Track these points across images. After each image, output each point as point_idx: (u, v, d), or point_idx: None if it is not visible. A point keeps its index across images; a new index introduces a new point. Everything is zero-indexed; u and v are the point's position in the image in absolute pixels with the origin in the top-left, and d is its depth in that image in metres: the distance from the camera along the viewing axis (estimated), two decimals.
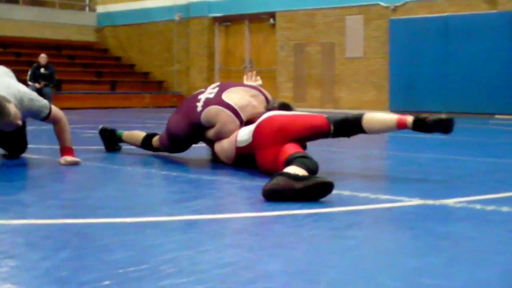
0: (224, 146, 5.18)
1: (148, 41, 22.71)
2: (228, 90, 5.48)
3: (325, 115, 4.80)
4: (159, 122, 11.98)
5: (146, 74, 22.83)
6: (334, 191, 3.81)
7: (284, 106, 5.17)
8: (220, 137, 5.25)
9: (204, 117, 5.32)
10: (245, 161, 5.02)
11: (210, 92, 5.52)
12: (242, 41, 20.50)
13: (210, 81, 20.29)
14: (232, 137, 5.09)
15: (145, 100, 20.57)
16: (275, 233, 2.98)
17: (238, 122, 5.20)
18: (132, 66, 23.33)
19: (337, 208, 3.54)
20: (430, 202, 3.71)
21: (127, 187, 4.35)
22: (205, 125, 5.35)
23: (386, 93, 17.09)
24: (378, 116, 4.66)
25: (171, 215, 3.35)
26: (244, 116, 5.25)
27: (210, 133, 5.35)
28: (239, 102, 5.34)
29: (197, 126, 5.40)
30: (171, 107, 19.22)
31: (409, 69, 16.45)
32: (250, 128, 4.90)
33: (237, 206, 3.76)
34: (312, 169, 4.13)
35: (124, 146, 6.42)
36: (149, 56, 22.51)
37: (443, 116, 4.52)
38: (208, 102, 5.38)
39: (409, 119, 4.53)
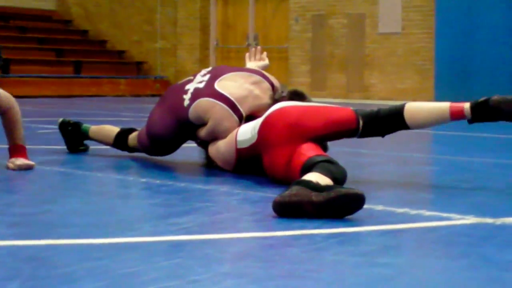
0: (220, 149, 5.18)
1: (123, 10, 22.74)
2: (222, 77, 5.44)
3: (351, 108, 4.80)
4: (137, 115, 12.00)
5: (120, 53, 22.86)
6: (366, 206, 3.82)
7: (296, 95, 5.17)
8: (215, 137, 5.24)
9: (193, 112, 5.29)
10: (248, 166, 5.03)
11: (200, 80, 5.47)
12: (245, 11, 20.51)
13: (203, 63, 20.31)
14: (230, 137, 5.09)
15: (120, 86, 20.60)
16: (288, 259, 2.98)
17: (236, 118, 5.18)
18: (102, 42, 23.35)
19: (368, 227, 3.55)
20: (488, 220, 3.71)
21: (97, 199, 4.36)
22: (195, 123, 5.33)
23: (431, 79, 17.09)
24: (424, 105, 4.67)
25: (154, 235, 3.37)
26: (244, 110, 5.23)
27: (202, 132, 5.33)
28: (237, 92, 5.30)
29: (184, 123, 5.37)
30: (154, 95, 19.27)
31: (462, 48, 16.43)
32: (254, 124, 4.90)
33: (238, 223, 3.77)
34: (339, 178, 4.14)
35: (92, 145, 6.41)
36: (124, 29, 22.53)
37: (508, 96, 4.51)
38: (197, 94, 5.33)
39: (466, 105, 4.52)
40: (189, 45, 21.11)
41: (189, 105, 5.30)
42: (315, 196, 3.71)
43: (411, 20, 17.58)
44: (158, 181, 4.98)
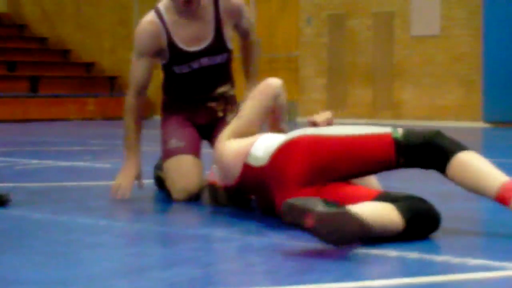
0: (228, 155, 5.16)
1: (91, 10, 22.81)
2: None
3: (390, 130, 4.79)
4: (110, 143, 12.03)
5: (89, 65, 22.92)
6: (396, 253, 3.83)
7: None
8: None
9: None
10: (251, 192, 5.06)
11: None
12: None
13: None
14: (245, 145, 5.09)
15: (88, 107, 20.64)
16: None
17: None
18: (65, 52, 23.42)
19: (399, 280, 3.57)
20: None
21: (61, 249, 4.37)
22: None
23: (478, 93, 17.10)
24: (475, 167, 4.62)
25: None
26: None
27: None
28: None
29: None
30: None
31: None
32: (272, 142, 4.92)
33: (237, 277, 3.78)
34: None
35: (53, 181, 6.42)
36: (93, 36, 22.60)
37: None
38: None
39: None
40: None
41: None
42: (320, 207, 3.86)
43: (453, 18, 17.63)
44: (137, 226, 5.01)
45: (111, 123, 18.18)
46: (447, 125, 17.05)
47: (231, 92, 6.42)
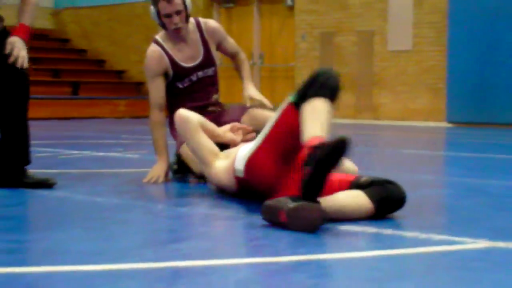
0: (220, 176, 5.19)
1: (122, 28, 22.78)
2: None
3: (288, 99, 4.76)
4: (137, 138, 12.01)
5: (120, 73, 22.90)
6: (373, 229, 3.83)
7: None
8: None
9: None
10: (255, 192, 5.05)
11: None
12: (249, 28, 20.55)
13: None
14: (228, 164, 5.10)
15: (119, 107, 20.62)
16: (293, 286, 3.00)
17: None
18: (101, 62, 23.41)
19: (376, 252, 3.57)
20: (502, 244, 3.72)
21: (96, 225, 4.36)
22: None
23: (443, 98, 17.06)
24: (313, 114, 4.56)
25: (155, 261, 3.38)
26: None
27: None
28: None
29: None
30: None
31: (475, 66, 16.40)
32: (245, 153, 4.96)
33: (242, 249, 3.78)
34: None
35: (91, 169, 6.41)
36: (124, 48, 22.57)
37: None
38: None
39: None
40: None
41: None
42: (289, 204, 3.94)
43: (423, 37, 17.59)
44: (160, 206, 5.01)
45: (138, 121, 18.14)
46: (417, 125, 17.03)
47: (218, 98, 6.67)
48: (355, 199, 4.41)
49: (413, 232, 4.01)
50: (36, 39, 23.07)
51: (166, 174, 6.12)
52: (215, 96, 6.58)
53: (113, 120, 18.97)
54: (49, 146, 10.02)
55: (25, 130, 6.48)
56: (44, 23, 24.07)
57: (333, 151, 4.03)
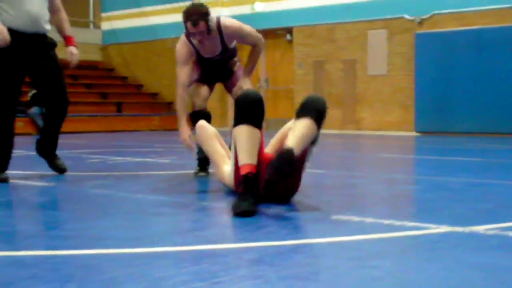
0: (225, 179, 5.18)
1: (155, 59, 22.81)
2: None
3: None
4: (168, 146, 12.02)
5: (154, 94, 22.94)
6: (356, 218, 3.81)
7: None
8: None
9: None
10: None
11: None
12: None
13: (223, 101, 20.34)
14: (229, 170, 5.16)
15: (154, 122, 20.66)
16: (294, 264, 2.98)
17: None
18: (139, 86, 23.45)
19: (360, 236, 3.55)
20: (459, 229, 3.71)
21: (135, 216, 4.36)
22: None
23: (412, 113, 17.06)
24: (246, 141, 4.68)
25: (183, 245, 3.36)
26: None
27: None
28: None
29: None
30: None
31: (437, 87, 16.42)
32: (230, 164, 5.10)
33: (254, 235, 3.77)
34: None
35: (135, 171, 6.40)
36: (157, 75, 22.61)
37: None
38: None
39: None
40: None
41: None
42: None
43: (395, 63, 17.59)
44: (186, 201, 5.00)
45: (169, 133, 18.15)
46: (391, 134, 17.01)
47: (235, 59, 6.92)
48: (304, 125, 4.62)
49: (389, 220, 3.99)
50: (88, 69, 23.20)
51: (190, 137, 6.28)
52: (231, 62, 6.88)
53: (148, 132, 18.99)
54: (100, 154, 10.04)
55: (59, 129, 6.89)
56: (95, 56, 24.15)
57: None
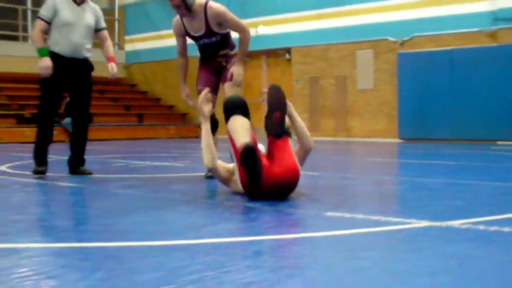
0: (238, 187, 5.16)
1: (172, 76, 22.83)
2: None
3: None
4: (183, 152, 12.03)
5: (171, 107, 22.94)
6: (348, 215, 3.80)
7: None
8: None
9: None
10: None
11: None
12: (260, 74, 20.56)
13: None
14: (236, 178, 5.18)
15: (171, 131, 20.66)
16: (293, 255, 2.98)
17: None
18: (157, 99, 23.46)
19: (351, 231, 3.54)
20: (437, 223, 3.71)
21: (154, 213, 4.36)
22: None
23: (396, 122, 17.07)
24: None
25: (196, 239, 3.36)
26: None
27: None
28: None
29: None
30: (195, 137, 19.29)
31: (417, 99, 16.43)
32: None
33: (257, 229, 3.76)
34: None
35: (155, 173, 6.39)
36: (173, 90, 22.60)
37: None
38: None
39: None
40: (218, 100, 21.10)
41: None
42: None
43: (381, 79, 17.59)
44: (200, 200, 4.99)
45: (184, 140, 18.17)
46: (378, 141, 17.00)
47: (231, 53, 6.71)
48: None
49: (377, 216, 3.98)
50: (113, 84, 23.24)
51: (187, 96, 6.91)
52: (222, 52, 6.68)
53: (166, 140, 18.99)
54: (123, 158, 10.04)
55: (85, 137, 7.19)
56: (119, 73, 24.12)
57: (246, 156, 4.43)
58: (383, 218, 3.92)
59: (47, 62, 6.63)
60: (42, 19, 6.76)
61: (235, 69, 6.52)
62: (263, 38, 19.95)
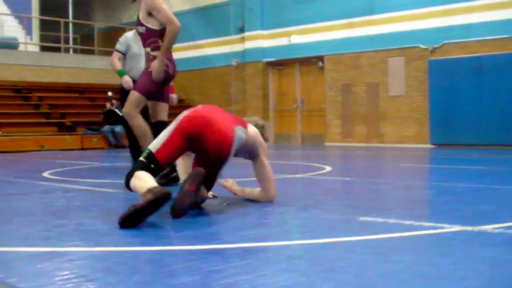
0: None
1: (208, 84, 22.98)
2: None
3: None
4: None
5: None
6: (380, 219, 3.78)
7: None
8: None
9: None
10: None
11: None
12: (293, 82, 20.56)
13: (265, 119, 20.44)
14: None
15: None
16: (327, 259, 2.97)
17: None
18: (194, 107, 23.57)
19: (384, 235, 3.52)
20: (469, 228, 3.67)
21: (191, 219, 4.37)
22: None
23: (427, 128, 16.95)
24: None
25: (231, 243, 3.37)
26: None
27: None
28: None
29: None
30: None
31: (447, 105, 16.31)
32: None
33: (291, 234, 3.76)
34: None
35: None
36: (209, 98, 22.72)
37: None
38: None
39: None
40: (254, 108, 21.18)
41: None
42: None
43: (412, 86, 17.48)
44: (234, 205, 5.00)
45: None
46: (410, 146, 16.90)
47: (151, 53, 6.17)
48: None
49: (409, 221, 3.95)
50: None
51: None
52: (147, 49, 6.23)
53: None
54: None
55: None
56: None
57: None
58: (415, 223, 3.89)
59: (127, 78, 8.37)
60: (119, 51, 8.57)
61: (153, 65, 6.14)
62: (296, 47, 19.98)
